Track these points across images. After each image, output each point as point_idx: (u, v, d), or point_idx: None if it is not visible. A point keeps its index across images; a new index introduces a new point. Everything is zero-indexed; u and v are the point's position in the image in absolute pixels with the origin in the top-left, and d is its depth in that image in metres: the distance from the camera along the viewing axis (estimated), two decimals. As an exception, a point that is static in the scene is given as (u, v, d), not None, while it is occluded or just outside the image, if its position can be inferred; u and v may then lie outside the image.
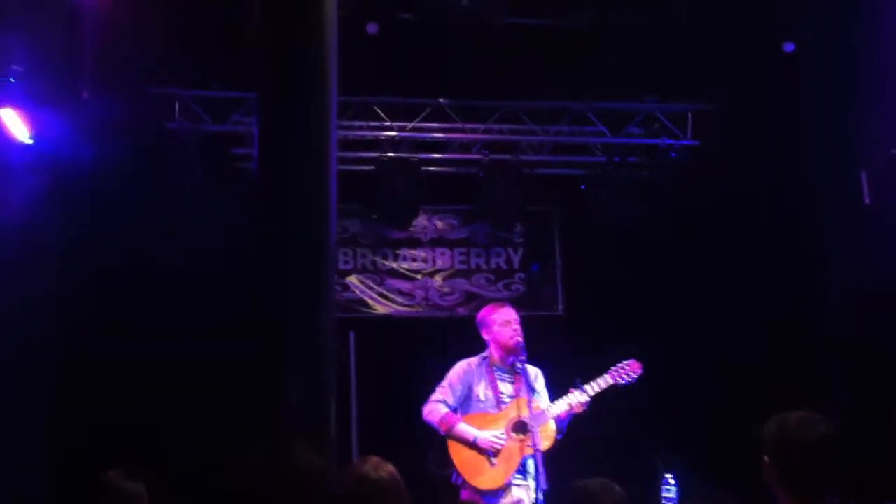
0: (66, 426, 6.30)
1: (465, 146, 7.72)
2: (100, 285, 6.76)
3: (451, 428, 5.58)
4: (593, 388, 5.62)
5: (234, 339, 4.24)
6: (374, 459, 3.16)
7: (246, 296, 4.06)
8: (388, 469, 3.12)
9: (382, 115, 7.46)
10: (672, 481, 5.72)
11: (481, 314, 5.84)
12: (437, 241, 8.03)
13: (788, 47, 6.78)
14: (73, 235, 6.59)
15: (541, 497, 5.21)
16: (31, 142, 5.98)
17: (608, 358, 5.83)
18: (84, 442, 6.19)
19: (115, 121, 6.48)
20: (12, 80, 5.68)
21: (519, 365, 5.56)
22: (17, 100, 5.83)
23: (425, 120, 7.51)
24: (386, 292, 7.88)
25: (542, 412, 5.53)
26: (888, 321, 6.43)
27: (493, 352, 5.73)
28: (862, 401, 6.67)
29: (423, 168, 7.54)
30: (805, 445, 2.94)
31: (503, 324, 5.67)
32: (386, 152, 7.45)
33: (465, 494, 5.44)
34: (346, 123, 7.30)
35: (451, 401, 5.67)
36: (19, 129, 5.95)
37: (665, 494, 5.67)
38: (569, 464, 5.10)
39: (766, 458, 2.99)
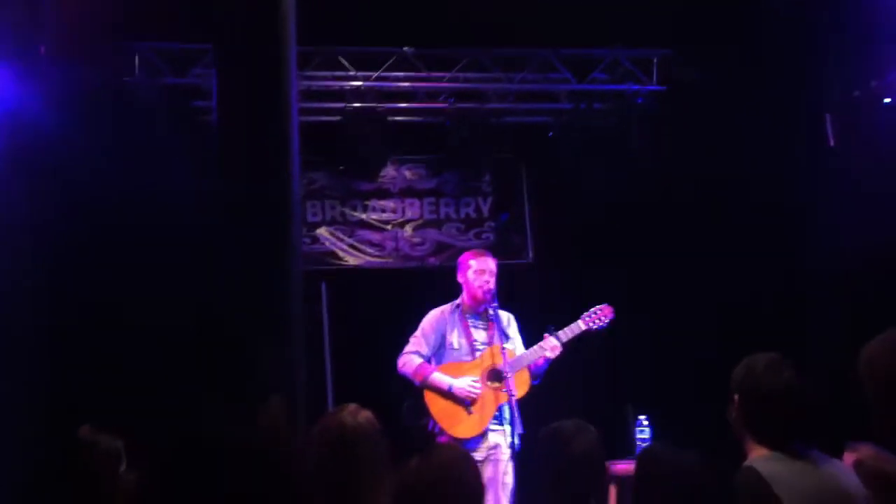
0: (44, 390, 6.25)
1: (432, 95, 7.65)
2: (64, 244, 6.67)
3: (425, 378, 5.59)
4: (566, 333, 5.66)
5: (203, 297, 4.21)
6: (352, 407, 3.17)
7: (211, 251, 4.02)
8: (366, 415, 3.13)
9: (347, 64, 7.37)
10: (646, 423, 5.80)
11: (461, 257, 5.88)
12: (407, 192, 8.00)
13: (753, -12, 6.75)
14: (37, 193, 6.49)
15: (517, 441, 5.26)
16: (-11, 98, 5.87)
17: (579, 304, 5.86)
18: (61, 406, 6.12)
19: (74, 76, 6.36)
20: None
21: (491, 311, 5.58)
22: (-27, 55, 5.71)
23: (390, 69, 7.43)
24: (356, 244, 7.85)
25: (517, 359, 5.56)
26: (862, 262, 6.48)
27: (465, 298, 5.75)
28: (839, 349, 6.72)
29: (390, 118, 7.48)
30: (771, 390, 2.98)
31: (477, 272, 5.69)
32: (351, 103, 7.38)
33: (442, 441, 5.47)
34: (309, 73, 7.22)
35: (424, 351, 5.68)
36: (-24, 85, 5.83)
37: (639, 436, 5.74)
38: (544, 408, 5.14)
39: (732, 396, 3.03)
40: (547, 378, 5.67)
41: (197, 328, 4.09)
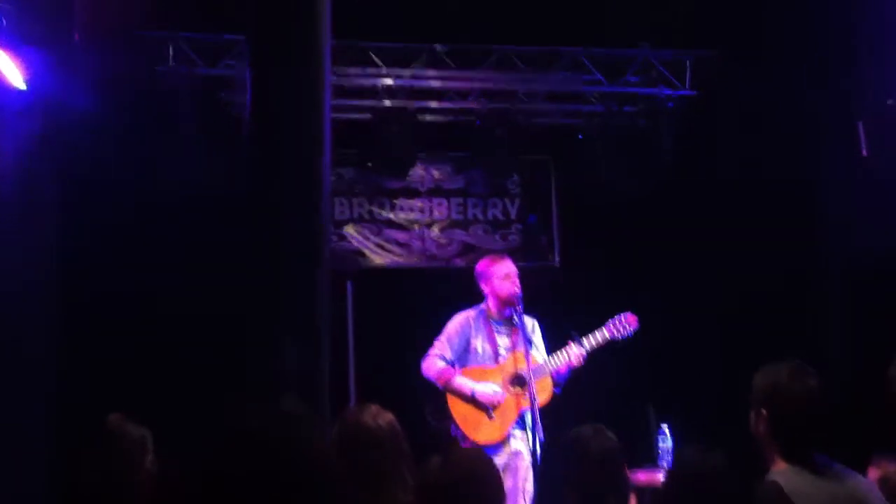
0: (66, 382, 6.30)
1: (462, 94, 7.64)
2: (96, 231, 6.72)
3: (448, 382, 5.59)
4: (590, 341, 5.64)
5: (228, 292, 4.21)
6: (374, 408, 3.17)
7: (239, 244, 4.03)
8: (387, 417, 3.13)
9: (378, 61, 7.36)
10: (667, 432, 5.76)
11: (480, 266, 5.83)
12: (435, 191, 7.98)
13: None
14: (68, 181, 6.54)
15: (538, 448, 5.24)
16: (24, 87, 5.90)
17: (604, 309, 5.84)
18: (85, 399, 6.16)
19: (106, 64, 6.39)
20: (3, 20, 5.59)
21: (516, 317, 5.56)
22: (9, 42, 5.74)
23: (421, 66, 7.40)
24: (383, 243, 7.85)
25: (540, 365, 5.54)
26: (887, 273, 6.43)
27: (490, 304, 5.73)
28: (860, 354, 6.69)
29: (420, 116, 7.46)
30: (794, 398, 2.96)
31: (504, 277, 5.67)
32: (382, 100, 7.37)
33: (464, 446, 5.46)
34: (341, 70, 7.22)
35: (448, 355, 5.67)
36: (12, 72, 5.87)
37: (660, 444, 5.70)
38: (566, 415, 5.13)
39: (757, 408, 3.00)
40: (569, 385, 5.65)
41: (220, 324, 4.10)
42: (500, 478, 3.01)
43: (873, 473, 3.71)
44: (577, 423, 3.26)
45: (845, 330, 6.94)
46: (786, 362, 3.04)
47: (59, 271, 6.42)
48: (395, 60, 7.38)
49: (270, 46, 3.93)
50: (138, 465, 3.53)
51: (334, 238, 7.68)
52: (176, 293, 6.59)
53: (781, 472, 2.95)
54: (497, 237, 8.01)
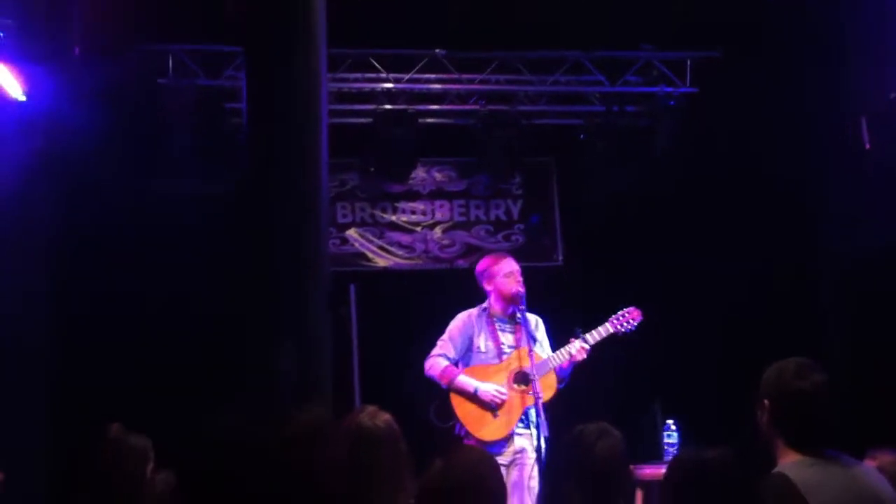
0: (63, 392, 6.32)
1: (463, 97, 7.65)
2: (94, 241, 6.74)
3: (451, 381, 5.58)
4: (594, 336, 5.62)
5: (230, 300, 4.22)
6: (371, 409, 3.17)
7: (238, 253, 4.03)
8: (384, 418, 3.13)
9: (379, 66, 7.38)
10: (673, 427, 5.76)
11: (482, 265, 5.83)
12: (436, 194, 8.00)
13: (786, -8, 6.71)
14: (67, 192, 6.57)
15: (542, 444, 5.23)
16: (24, 99, 5.93)
17: (607, 307, 5.83)
18: (82, 411, 6.17)
19: (107, 78, 6.42)
20: (2, 34, 5.61)
21: (519, 314, 5.56)
22: (9, 56, 5.77)
23: (421, 71, 7.42)
24: (386, 245, 7.87)
25: (544, 362, 5.53)
26: (889, 267, 6.42)
27: (493, 303, 5.72)
28: (860, 350, 6.69)
29: (421, 120, 7.46)
30: (802, 393, 2.96)
31: (507, 275, 5.67)
32: (383, 104, 7.39)
33: (467, 443, 5.46)
34: (342, 76, 7.24)
35: (451, 354, 5.67)
36: (12, 85, 5.90)
37: (666, 440, 5.71)
38: (571, 411, 5.11)
39: (763, 401, 3.00)
40: (574, 380, 5.65)
41: (221, 330, 4.10)
42: (502, 479, 3.01)
43: (869, 465, 3.71)
44: (583, 418, 3.26)
45: (845, 324, 6.93)
46: (794, 358, 3.05)
47: (56, 280, 6.45)
48: (396, 66, 7.40)
49: (265, 54, 3.95)
50: (140, 474, 3.55)
51: (337, 242, 7.70)
52: (174, 299, 6.61)
53: (790, 464, 2.95)
54: (500, 237, 8.02)
